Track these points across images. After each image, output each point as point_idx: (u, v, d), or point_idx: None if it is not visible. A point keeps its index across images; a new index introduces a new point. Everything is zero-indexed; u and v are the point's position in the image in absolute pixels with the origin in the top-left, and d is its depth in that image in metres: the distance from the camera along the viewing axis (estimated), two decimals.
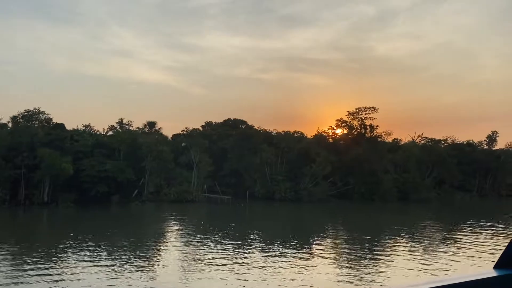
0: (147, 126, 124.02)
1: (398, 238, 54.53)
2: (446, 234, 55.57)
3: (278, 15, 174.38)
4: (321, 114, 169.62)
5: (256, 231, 55.44)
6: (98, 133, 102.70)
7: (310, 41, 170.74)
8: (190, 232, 55.04)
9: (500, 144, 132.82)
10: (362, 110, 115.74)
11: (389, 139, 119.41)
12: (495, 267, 2.30)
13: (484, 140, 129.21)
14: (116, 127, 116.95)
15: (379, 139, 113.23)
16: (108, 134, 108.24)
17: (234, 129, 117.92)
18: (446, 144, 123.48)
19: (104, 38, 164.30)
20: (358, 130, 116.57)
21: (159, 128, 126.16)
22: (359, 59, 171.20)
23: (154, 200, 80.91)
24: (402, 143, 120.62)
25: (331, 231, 60.17)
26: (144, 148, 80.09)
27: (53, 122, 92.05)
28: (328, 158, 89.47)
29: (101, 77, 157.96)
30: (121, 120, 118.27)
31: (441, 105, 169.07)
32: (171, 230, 58.05)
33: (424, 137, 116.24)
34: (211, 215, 73.35)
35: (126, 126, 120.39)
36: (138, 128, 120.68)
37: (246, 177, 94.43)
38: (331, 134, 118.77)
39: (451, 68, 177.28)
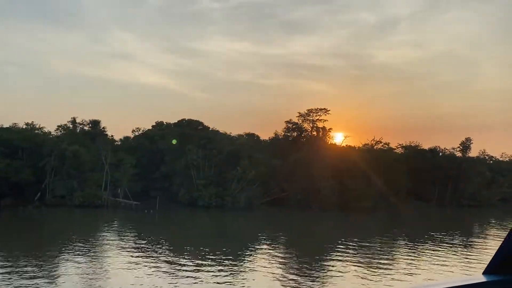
0: (90, 125, 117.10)
1: (322, 249, 48.56)
2: (372, 247, 49.97)
3: (280, 22, 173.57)
4: None
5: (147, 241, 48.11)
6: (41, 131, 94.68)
7: (311, 47, 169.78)
8: (78, 241, 47.78)
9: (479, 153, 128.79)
10: (314, 112, 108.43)
11: (348, 143, 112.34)
12: (484, 273, 2.33)
13: (458, 147, 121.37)
14: (69, 127, 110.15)
15: (329, 142, 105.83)
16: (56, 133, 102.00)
17: (196, 131, 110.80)
18: (408, 150, 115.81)
19: (106, 41, 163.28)
20: (308, 133, 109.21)
21: (103, 127, 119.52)
22: (360, 66, 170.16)
23: (57, 205, 72.96)
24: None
25: (234, 242, 52.08)
26: (46, 147, 72.27)
27: None
28: (258, 161, 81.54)
29: (102, 79, 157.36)
30: (74, 118, 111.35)
31: (443, 114, 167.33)
32: (56, 238, 50.35)
33: (378, 141, 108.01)
34: (109, 223, 65.43)
35: (80, 126, 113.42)
36: (89, 128, 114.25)
37: (174, 181, 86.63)
38: (283, 136, 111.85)
39: (452, 76, 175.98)
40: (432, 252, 48.21)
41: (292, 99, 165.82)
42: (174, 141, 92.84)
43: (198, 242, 48.99)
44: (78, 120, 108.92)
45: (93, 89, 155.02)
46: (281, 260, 41.72)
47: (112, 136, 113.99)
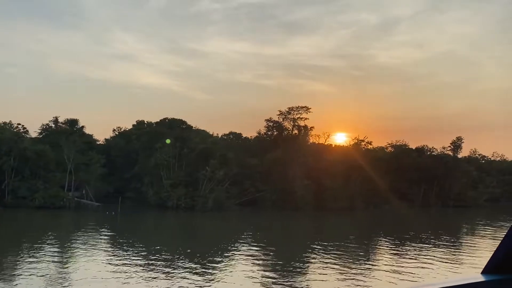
0: (68, 124, 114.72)
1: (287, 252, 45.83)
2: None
3: (280, 22, 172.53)
4: (322, 121, 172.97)
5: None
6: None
7: (312, 48, 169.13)
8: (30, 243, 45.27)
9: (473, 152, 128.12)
10: (294, 109, 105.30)
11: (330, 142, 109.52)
12: (483, 272, 2.33)
13: (448, 147, 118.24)
14: (51, 126, 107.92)
15: (310, 141, 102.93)
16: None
17: (171, 129, 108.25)
18: (395, 149, 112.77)
19: (107, 42, 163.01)
20: (289, 131, 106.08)
21: (82, 127, 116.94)
22: (361, 67, 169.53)
23: (18, 206, 70.01)
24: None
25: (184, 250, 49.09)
26: (4, 146, 69.38)
27: None
28: (230, 160, 78.41)
29: (103, 80, 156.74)
30: (56, 118, 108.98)
31: (444, 114, 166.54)
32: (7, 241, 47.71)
33: (362, 140, 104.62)
34: (66, 225, 62.58)
35: (63, 126, 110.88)
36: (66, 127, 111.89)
37: (144, 181, 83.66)
38: (264, 134, 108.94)
39: (453, 76, 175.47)
40: (405, 254, 46.01)
41: (292, 99, 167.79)
42: (168, 141, 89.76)
43: (153, 243, 46.53)
44: (60, 120, 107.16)
45: (94, 89, 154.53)
46: (250, 264, 39.20)
47: (92, 135, 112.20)
